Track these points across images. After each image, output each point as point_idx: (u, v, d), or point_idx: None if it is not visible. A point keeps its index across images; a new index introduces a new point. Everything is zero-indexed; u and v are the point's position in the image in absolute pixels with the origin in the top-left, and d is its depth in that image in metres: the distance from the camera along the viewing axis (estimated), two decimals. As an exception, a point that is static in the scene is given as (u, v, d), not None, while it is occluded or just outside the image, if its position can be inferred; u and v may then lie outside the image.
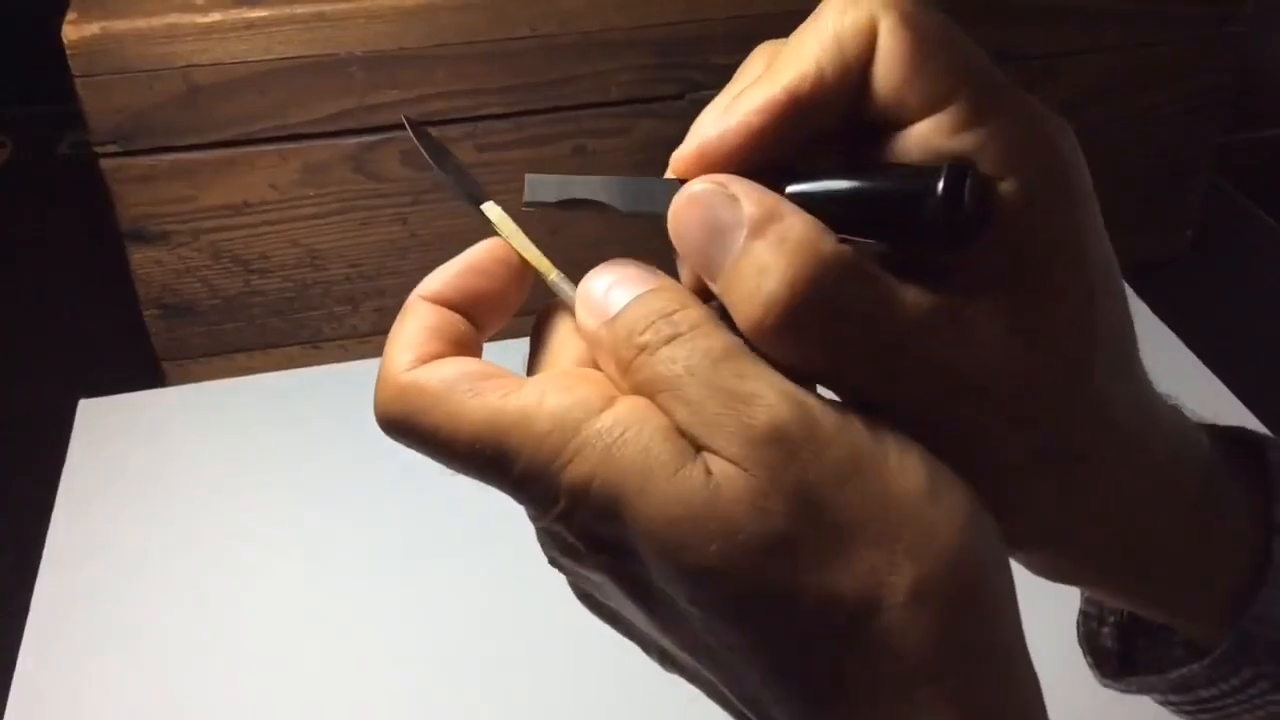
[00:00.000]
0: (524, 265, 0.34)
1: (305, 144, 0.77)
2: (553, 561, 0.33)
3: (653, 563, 0.29)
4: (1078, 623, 0.42)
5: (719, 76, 0.87)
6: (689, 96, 0.80)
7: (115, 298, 0.85)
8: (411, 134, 0.36)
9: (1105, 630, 0.42)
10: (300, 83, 0.75)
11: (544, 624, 0.64)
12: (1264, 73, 1.17)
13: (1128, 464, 0.34)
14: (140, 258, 0.79)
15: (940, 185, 0.29)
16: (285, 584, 0.68)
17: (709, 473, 0.28)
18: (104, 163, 0.75)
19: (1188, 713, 0.39)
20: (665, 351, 0.30)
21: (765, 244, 0.30)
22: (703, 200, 0.31)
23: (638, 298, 0.31)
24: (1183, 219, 0.98)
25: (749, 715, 0.32)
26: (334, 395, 0.81)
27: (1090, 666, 0.41)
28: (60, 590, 0.68)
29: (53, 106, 2.14)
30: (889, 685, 0.29)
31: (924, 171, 0.30)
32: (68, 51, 0.71)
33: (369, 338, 0.86)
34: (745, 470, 0.28)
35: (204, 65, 0.73)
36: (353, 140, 0.78)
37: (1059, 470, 0.33)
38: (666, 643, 0.32)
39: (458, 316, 0.33)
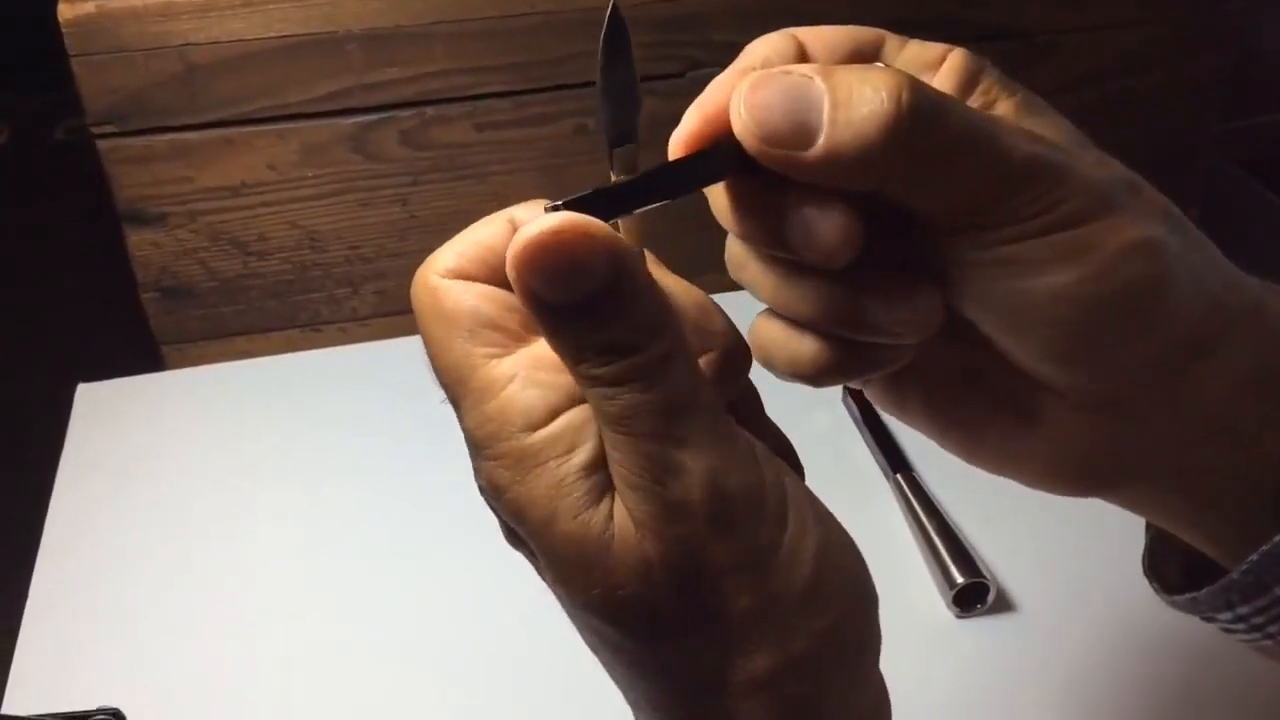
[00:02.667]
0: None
1: (303, 124, 0.77)
2: (482, 491, 0.34)
3: (546, 576, 0.31)
4: (1143, 558, 0.42)
5: (719, 54, 0.87)
6: (690, 74, 0.79)
7: (113, 282, 0.84)
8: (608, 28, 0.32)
9: (1171, 567, 0.42)
10: (298, 61, 0.75)
11: (546, 602, 0.64)
12: (1260, 58, 1.17)
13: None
14: (138, 239, 0.79)
15: None
16: (285, 566, 0.67)
17: (610, 518, 0.30)
18: (100, 143, 0.75)
19: (1257, 626, 0.39)
20: (609, 390, 0.30)
21: (857, 74, 0.32)
22: (775, 77, 0.32)
23: (600, 321, 0.30)
24: (1185, 198, 0.98)
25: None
26: (334, 378, 0.80)
27: (1157, 591, 0.41)
28: (60, 573, 0.68)
29: (48, 94, 2.14)
30: None
31: None
32: (63, 30, 0.70)
33: (369, 320, 0.86)
34: (643, 537, 0.30)
35: (201, 44, 0.72)
36: (351, 120, 0.77)
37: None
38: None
39: None
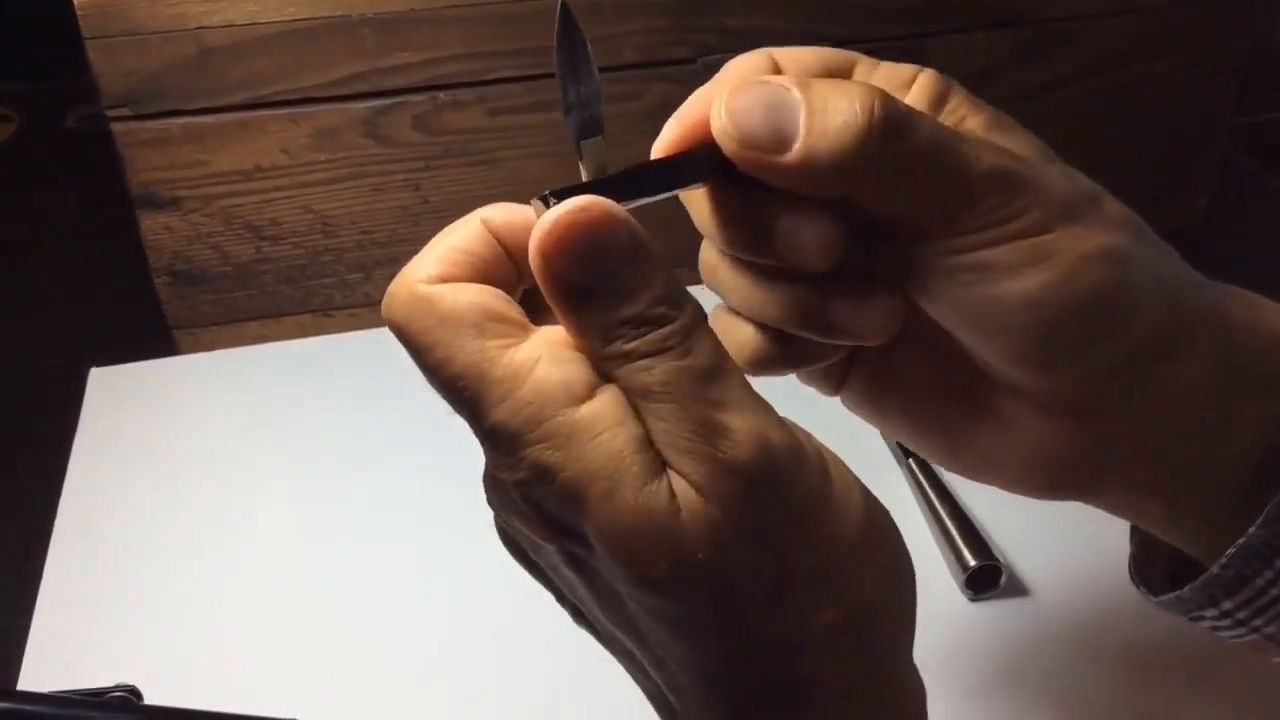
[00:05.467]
0: None
1: (316, 108, 0.77)
2: (490, 502, 0.35)
3: (604, 558, 0.30)
4: (1129, 564, 0.43)
5: (732, 40, 0.87)
6: (701, 60, 0.79)
7: (125, 268, 0.84)
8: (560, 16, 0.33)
9: (1156, 571, 0.43)
10: (311, 45, 0.75)
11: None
12: (1273, 54, 1.16)
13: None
14: (151, 223, 0.79)
15: None
16: (297, 548, 0.68)
17: (673, 494, 0.30)
18: (115, 127, 0.75)
19: (1242, 621, 0.40)
20: (646, 362, 0.30)
21: (831, 87, 0.34)
22: (754, 85, 0.34)
23: (630, 295, 0.30)
24: (1197, 186, 0.97)
25: (659, 684, 0.34)
26: (346, 363, 0.80)
27: (1144, 594, 0.42)
28: (75, 553, 0.68)
29: (60, 82, 2.15)
30: (802, 703, 0.32)
31: None
32: (78, 13, 0.70)
33: (381, 305, 0.86)
34: (706, 500, 0.30)
35: (215, 27, 0.72)
36: (364, 104, 0.77)
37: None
38: (596, 610, 0.34)
39: (503, 253, 0.33)
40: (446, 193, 0.81)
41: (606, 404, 0.30)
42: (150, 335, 0.85)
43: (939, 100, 0.38)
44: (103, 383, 0.80)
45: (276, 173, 0.79)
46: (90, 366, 0.81)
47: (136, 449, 0.75)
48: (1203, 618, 0.41)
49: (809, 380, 0.43)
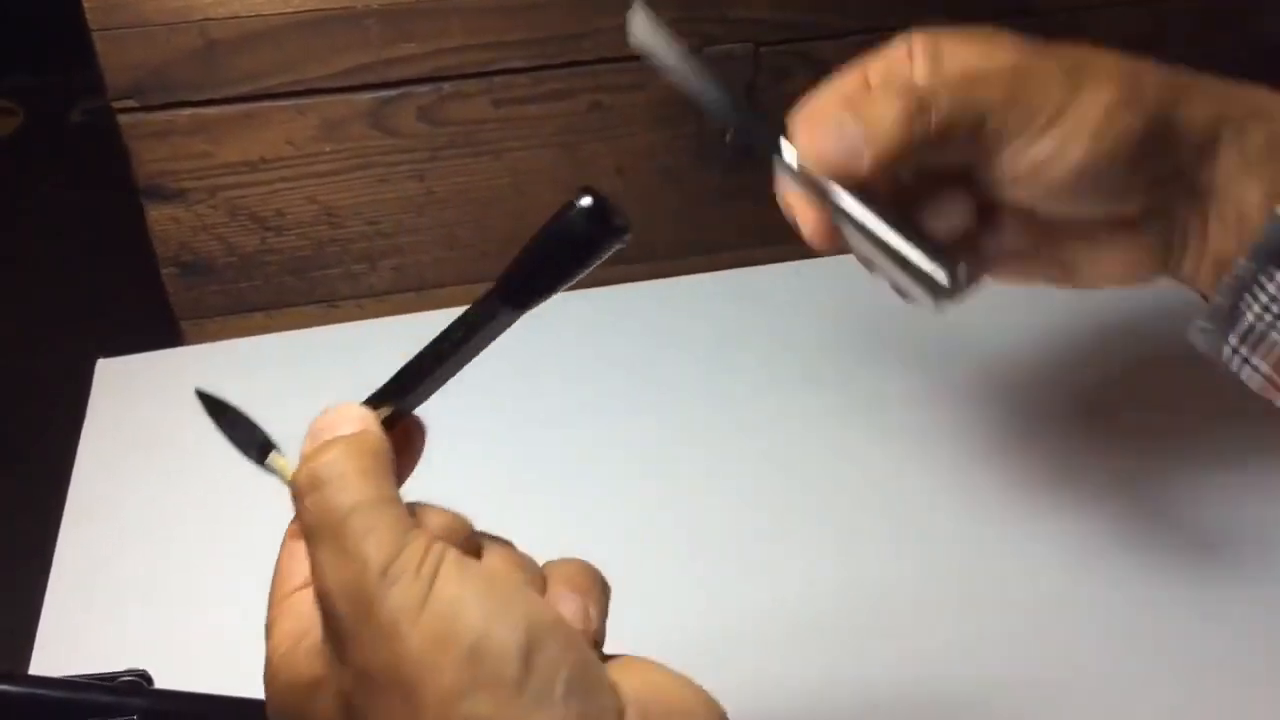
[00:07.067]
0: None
1: (322, 99, 0.77)
2: None
3: None
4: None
5: (737, 31, 0.87)
6: (706, 51, 0.79)
7: (132, 259, 0.85)
8: (202, 404, 0.45)
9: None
10: (317, 37, 0.75)
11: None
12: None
13: None
14: (157, 215, 0.79)
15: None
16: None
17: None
18: (121, 118, 0.75)
19: (1245, 360, 0.50)
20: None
21: (869, 105, 0.47)
22: (825, 119, 0.48)
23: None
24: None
25: None
26: (351, 354, 0.81)
27: (1198, 333, 0.53)
28: (84, 542, 0.68)
29: (64, 76, 2.15)
30: None
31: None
32: (85, 4, 0.70)
33: (386, 296, 0.86)
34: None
35: (220, 19, 0.73)
36: (369, 95, 0.78)
37: None
38: None
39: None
40: (451, 183, 0.82)
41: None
42: (156, 326, 0.85)
43: (935, 58, 0.49)
44: (110, 373, 0.81)
45: (282, 164, 0.79)
46: (97, 357, 0.81)
47: (144, 438, 0.76)
48: (1230, 362, 0.52)
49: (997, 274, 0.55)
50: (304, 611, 0.38)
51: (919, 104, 0.46)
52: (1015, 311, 0.80)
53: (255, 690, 0.46)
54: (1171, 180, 0.50)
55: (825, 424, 0.75)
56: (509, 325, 0.40)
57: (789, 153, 0.48)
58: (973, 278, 0.49)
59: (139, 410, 0.78)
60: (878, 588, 0.65)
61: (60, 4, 0.73)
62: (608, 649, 0.38)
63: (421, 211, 0.82)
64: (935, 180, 0.50)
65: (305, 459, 0.39)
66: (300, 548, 0.39)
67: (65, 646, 0.63)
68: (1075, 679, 0.60)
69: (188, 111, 0.76)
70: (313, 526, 0.37)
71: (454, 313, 0.40)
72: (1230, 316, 0.51)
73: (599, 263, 0.38)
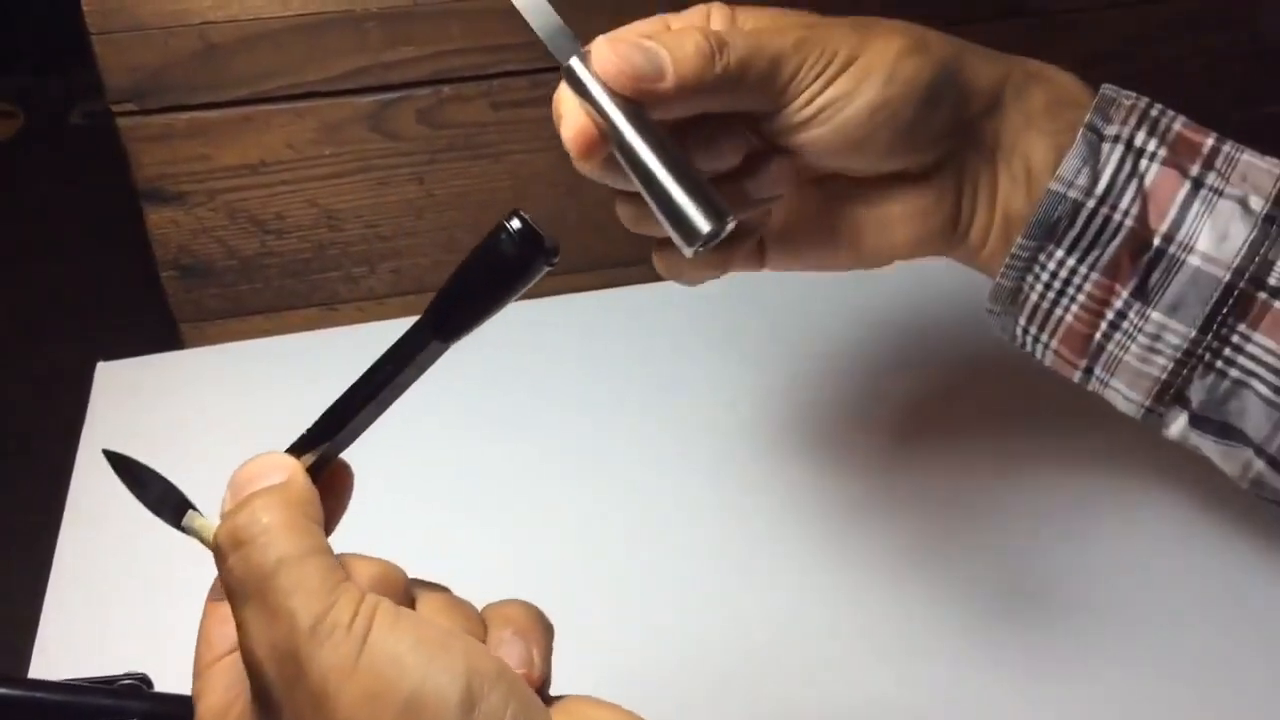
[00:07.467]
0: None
1: (321, 102, 0.77)
2: None
3: None
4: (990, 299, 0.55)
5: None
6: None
7: (131, 262, 0.85)
8: (111, 465, 0.43)
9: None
10: (315, 39, 0.75)
11: (556, 581, 0.64)
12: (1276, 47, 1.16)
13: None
14: (157, 218, 0.79)
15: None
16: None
17: None
18: (120, 122, 0.75)
19: (1036, 339, 0.53)
20: None
21: (672, 36, 0.47)
22: (628, 41, 0.47)
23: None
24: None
25: None
26: (350, 357, 0.80)
27: (990, 313, 0.55)
28: (83, 545, 0.68)
29: (64, 78, 2.15)
30: None
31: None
32: (84, 8, 0.70)
33: (385, 299, 0.86)
34: None
35: (219, 22, 0.73)
36: (369, 98, 0.78)
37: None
38: None
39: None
40: (450, 186, 0.82)
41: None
42: (157, 329, 0.85)
43: (730, 18, 0.51)
44: (110, 376, 0.81)
45: (281, 167, 0.79)
46: (97, 361, 0.81)
47: (144, 442, 0.75)
48: (1022, 342, 0.54)
49: (744, 266, 0.56)
50: (230, 680, 0.37)
51: (717, 40, 0.47)
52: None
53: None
54: (959, 133, 0.51)
55: (805, 433, 0.75)
56: (438, 356, 0.39)
57: (581, 66, 0.47)
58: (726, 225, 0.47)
59: (139, 414, 0.78)
60: (856, 610, 0.65)
61: (60, 6, 0.73)
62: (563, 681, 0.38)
63: (421, 214, 0.82)
64: (710, 123, 0.49)
65: (226, 516, 0.37)
66: (224, 610, 0.37)
67: (65, 649, 0.63)
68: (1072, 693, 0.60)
69: (187, 114, 0.76)
70: (236, 586, 0.35)
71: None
72: (1015, 296, 0.53)
73: (528, 288, 0.38)
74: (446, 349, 0.39)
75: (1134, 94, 0.52)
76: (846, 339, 0.81)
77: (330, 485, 0.40)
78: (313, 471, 0.40)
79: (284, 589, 0.34)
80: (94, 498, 0.72)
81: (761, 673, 0.62)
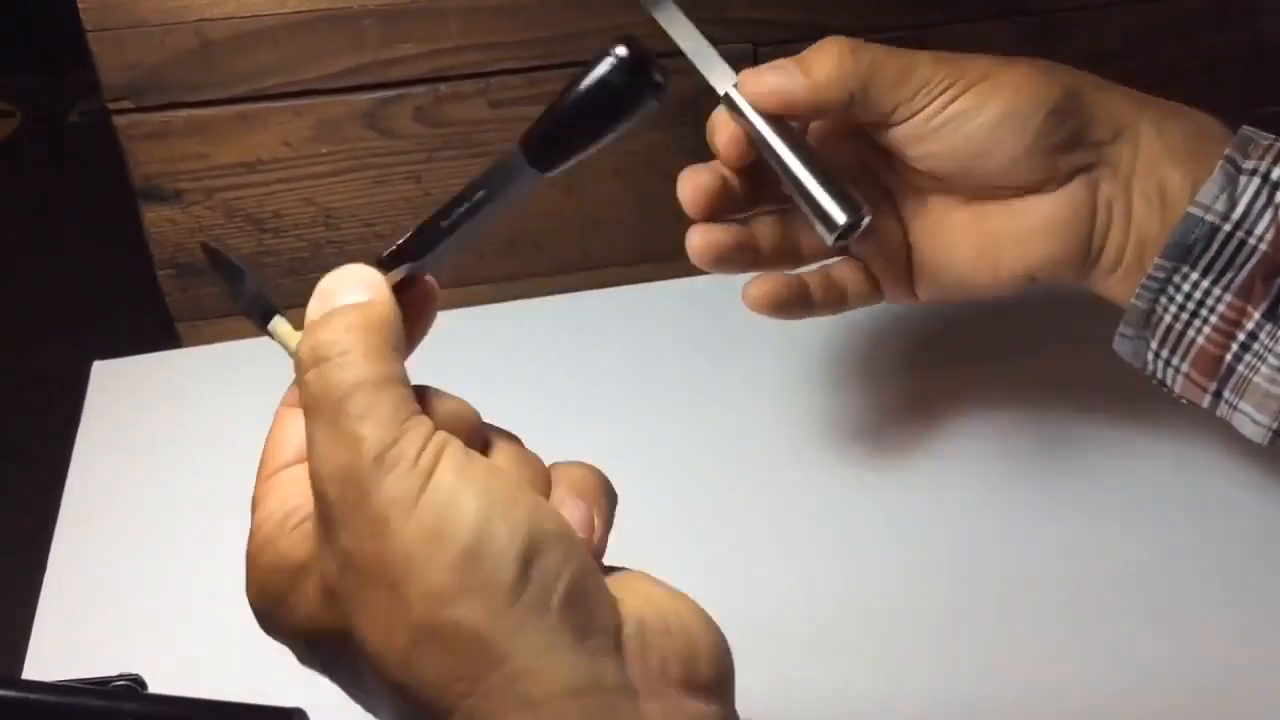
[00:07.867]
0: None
1: (318, 100, 0.77)
2: None
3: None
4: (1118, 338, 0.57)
5: (736, 31, 0.86)
6: (704, 51, 0.79)
7: (128, 261, 0.84)
8: (208, 259, 0.41)
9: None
10: (313, 37, 0.75)
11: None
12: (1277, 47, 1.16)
13: None
14: (153, 216, 0.79)
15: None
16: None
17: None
18: (117, 119, 0.75)
19: (1168, 363, 0.55)
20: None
21: (808, 51, 0.55)
22: (764, 70, 0.55)
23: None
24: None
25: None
26: (348, 355, 0.80)
27: (1122, 340, 0.57)
28: (78, 544, 0.68)
29: (62, 77, 2.15)
30: None
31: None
32: (80, 5, 0.70)
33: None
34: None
35: (216, 19, 0.72)
36: (366, 96, 0.77)
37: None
38: None
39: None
40: (447, 184, 0.81)
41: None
42: (153, 328, 0.85)
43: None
44: (106, 375, 0.80)
45: (278, 165, 0.79)
46: (94, 359, 0.81)
47: (140, 441, 0.75)
48: (1153, 369, 0.55)
49: (897, 298, 0.61)
50: (293, 490, 0.36)
51: (853, 46, 0.53)
52: (999, 316, 0.80)
53: (250, 695, 0.46)
54: (1088, 152, 0.54)
55: (815, 432, 0.75)
56: (531, 187, 0.37)
57: (736, 93, 0.55)
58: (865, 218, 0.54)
59: (135, 413, 0.78)
60: (866, 591, 0.65)
61: (58, 4, 0.72)
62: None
63: (418, 213, 0.82)
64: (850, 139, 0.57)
65: (309, 329, 0.37)
66: (295, 418, 0.37)
67: (59, 650, 0.62)
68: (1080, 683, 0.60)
69: (184, 112, 0.75)
70: (311, 402, 0.35)
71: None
72: (1148, 319, 0.54)
73: (631, 123, 0.35)
74: (539, 180, 0.37)
75: (1271, 135, 0.55)
76: (848, 339, 0.80)
77: (413, 305, 0.39)
78: (397, 290, 0.38)
79: (355, 414, 0.33)
80: (89, 497, 0.71)
81: (761, 674, 0.61)
